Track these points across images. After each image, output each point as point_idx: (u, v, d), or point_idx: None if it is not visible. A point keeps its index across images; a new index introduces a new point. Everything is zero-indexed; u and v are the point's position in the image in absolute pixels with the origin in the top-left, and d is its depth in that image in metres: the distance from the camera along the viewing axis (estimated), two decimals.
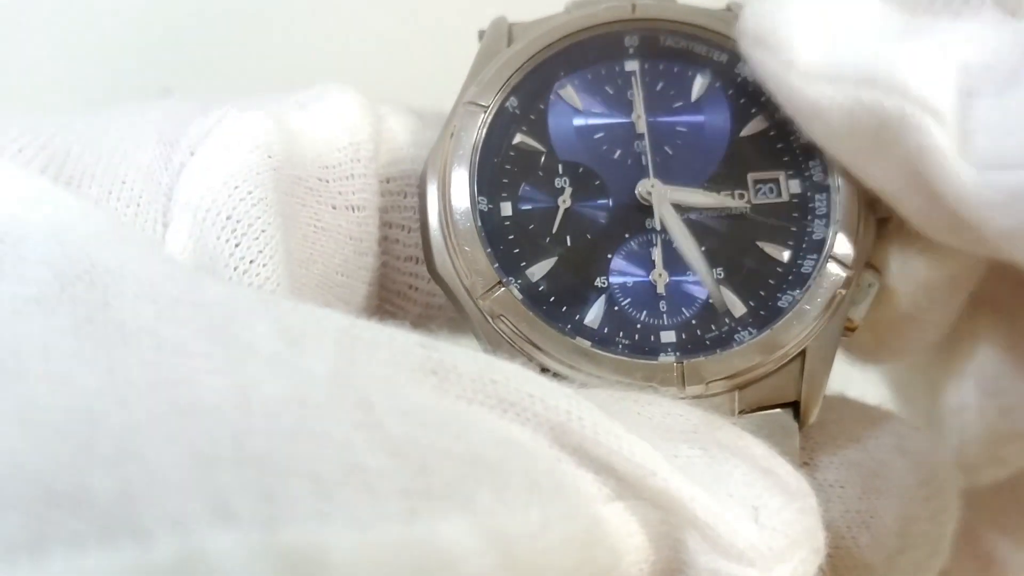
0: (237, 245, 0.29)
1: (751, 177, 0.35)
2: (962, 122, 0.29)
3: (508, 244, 0.34)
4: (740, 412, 0.33)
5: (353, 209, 0.34)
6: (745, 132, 0.36)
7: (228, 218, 0.29)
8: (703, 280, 0.34)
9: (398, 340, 0.25)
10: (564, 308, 0.34)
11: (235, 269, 0.29)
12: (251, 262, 0.29)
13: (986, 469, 0.40)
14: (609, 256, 0.34)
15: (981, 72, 0.29)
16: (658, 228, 0.35)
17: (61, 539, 0.18)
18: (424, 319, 0.37)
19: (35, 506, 0.19)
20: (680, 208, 0.35)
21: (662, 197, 0.35)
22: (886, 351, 0.37)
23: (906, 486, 0.33)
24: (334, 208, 0.33)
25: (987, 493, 0.41)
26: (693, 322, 0.34)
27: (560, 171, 0.35)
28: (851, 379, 0.37)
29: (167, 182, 0.30)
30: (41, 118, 0.31)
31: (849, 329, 0.34)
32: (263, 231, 0.30)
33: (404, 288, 0.36)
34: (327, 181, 0.33)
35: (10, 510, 0.19)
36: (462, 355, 0.25)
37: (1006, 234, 0.29)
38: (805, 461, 0.34)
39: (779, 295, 0.34)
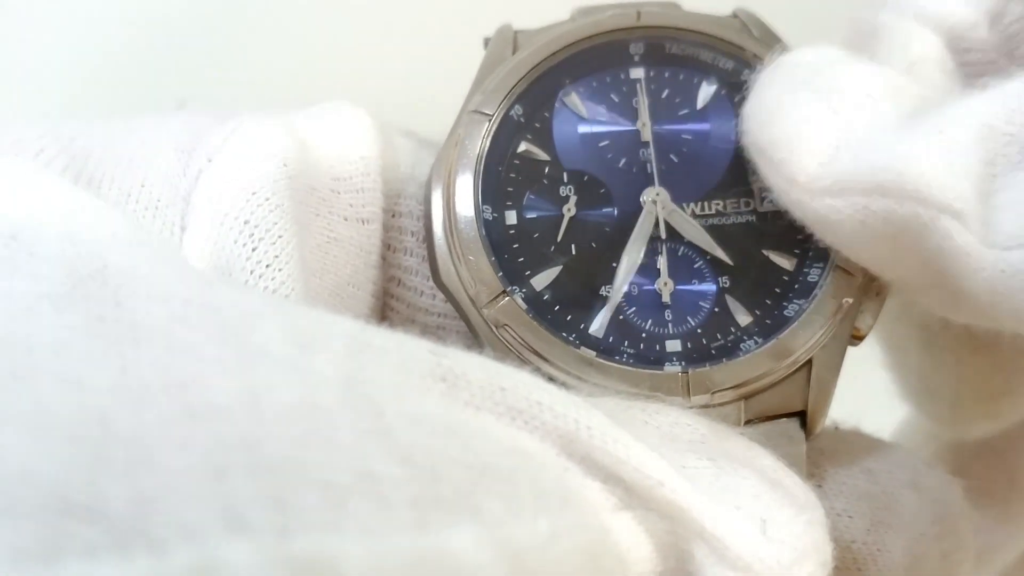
0: (254, 249, 0.29)
1: (757, 185, 0.35)
2: (984, 208, 0.28)
3: (512, 253, 0.34)
4: (747, 422, 0.33)
5: (363, 222, 0.34)
6: None
7: (246, 223, 0.29)
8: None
9: (407, 346, 0.25)
10: (569, 317, 0.34)
11: (251, 273, 0.29)
12: (267, 266, 0.29)
13: (978, 423, 0.40)
14: (614, 265, 0.34)
15: (1004, 143, 0.28)
16: (663, 237, 0.34)
17: (74, 549, 0.18)
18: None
19: (48, 515, 0.18)
20: (686, 216, 0.35)
21: (667, 206, 0.35)
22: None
23: (917, 522, 0.33)
24: (345, 220, 0.33)
25: (973, 461, 0.41)
26: (699, 331, 0.34)
27: (565, 179, 0.35)
28: (867, 411, 0.37)
29: (185, 187, 0.30)
30: (62, 121, 0.31)
31: (856, 338, 0.34)
32: (280, 236, 0.30)
33: (387, 310, 0.36)
34: (339, 193, 0.33)
35: (23, 519, 0.18)
36: (471, 362, 0.25)
37: None
38: (817, 485, 0.33)
39: (785, 304, 0.34)
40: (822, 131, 0.31)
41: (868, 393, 0.38)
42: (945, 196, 0.28)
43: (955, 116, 0.29)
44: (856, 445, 0.35)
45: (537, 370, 0.32)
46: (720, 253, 0.34)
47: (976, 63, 0.34)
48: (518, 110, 0.35)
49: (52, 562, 0.18)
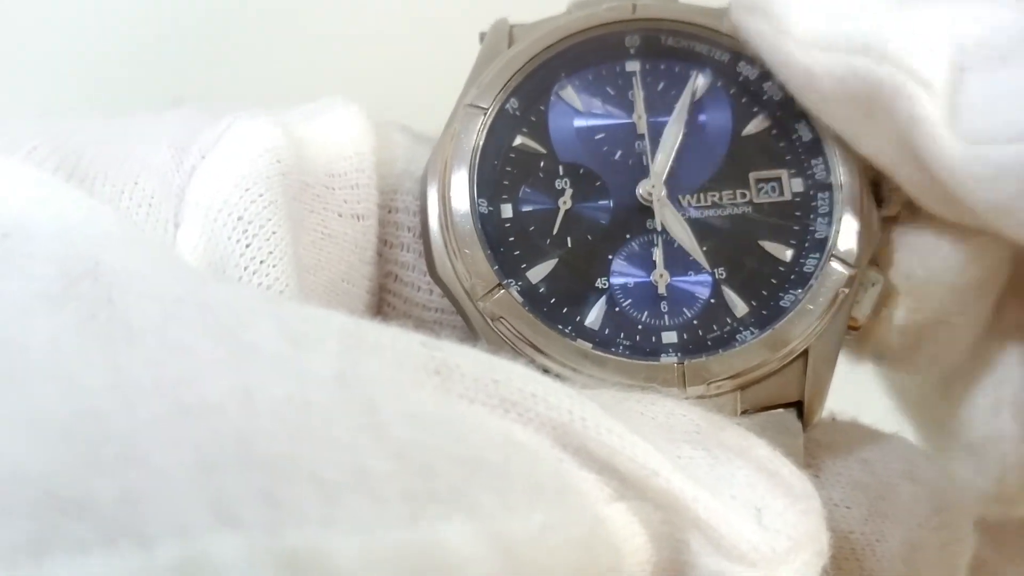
0: (248, 246, 0.29)
1: (753, 176, 0.35)
2: (952, 96, 0.30)
3: (508, 246, 0.34)
4: (743, 412, 0.33)
5: (358, 218, 0.34)
6: (747, 131, 0.36)
7: (239, 219, 0.29)
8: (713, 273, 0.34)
9: (401, 341, 0.25)
10: (565, 310, 0.34)
11: (245, 269, 0.29)
12: (261, 262, 0.30)
13: None
14: (610, 257, 0.34)
15: (976, 48, 0.30)
16: (659, 229, 0.35)
17: (64, 544, 0.18)
18: None
19: (39, 511, 0.19)
20: (682, 207, 0.35)
21: (662, 198, 0.35)
22: (921, 357, 0.37)
23: (914, 512, 0.33)
24: (340, 216, 0.33)
25: (1010, 531, 0.41)
26: (695, 322, 0.34)
27: (560, 172, 0.35)
28: (864, 406, 0.37)
29: (179, 183, 0.30)
30: (56, 120, 0.31)
31: (853, 328, 0.34)
32: (274, 232, 0.30)
33: (383, 306, 0.36)
34: (333, 189, 0.33)
35: (14, 515, 0.18)
36: (465, 355, 0.25)
37: (992, 208, 0.29)
38: (814, 475, 0.33)
39: (781, 294, 0.34)
40: None
41: (866, 385, 0.38)
42: (923, 67, 0.30)
43: (948, 10, 0.31)
44: (853, 436, 0.35)
45: (533, 362, 0.32)
46: (700, 258, 0.34)
47: None
48: (514, 103, 0.35)
49: (42, 557, 0.18)
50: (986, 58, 0.30)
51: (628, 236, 0.34)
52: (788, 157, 0.35)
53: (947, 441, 0.40)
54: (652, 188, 0.35)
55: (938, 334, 0.36)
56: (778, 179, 0.35)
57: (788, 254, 0.34)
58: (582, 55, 0.36)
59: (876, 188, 0.35)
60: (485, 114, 0.35)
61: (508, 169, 0.35)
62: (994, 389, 0.37)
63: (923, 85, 0.30)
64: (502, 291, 0.33)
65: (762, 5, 0.33)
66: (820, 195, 0.35)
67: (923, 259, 0.34)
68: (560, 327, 0.33)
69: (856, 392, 0.36)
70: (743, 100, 0.36)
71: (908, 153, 0.31)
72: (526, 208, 0.35)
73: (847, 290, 0.34)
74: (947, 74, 0.30)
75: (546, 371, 0.32)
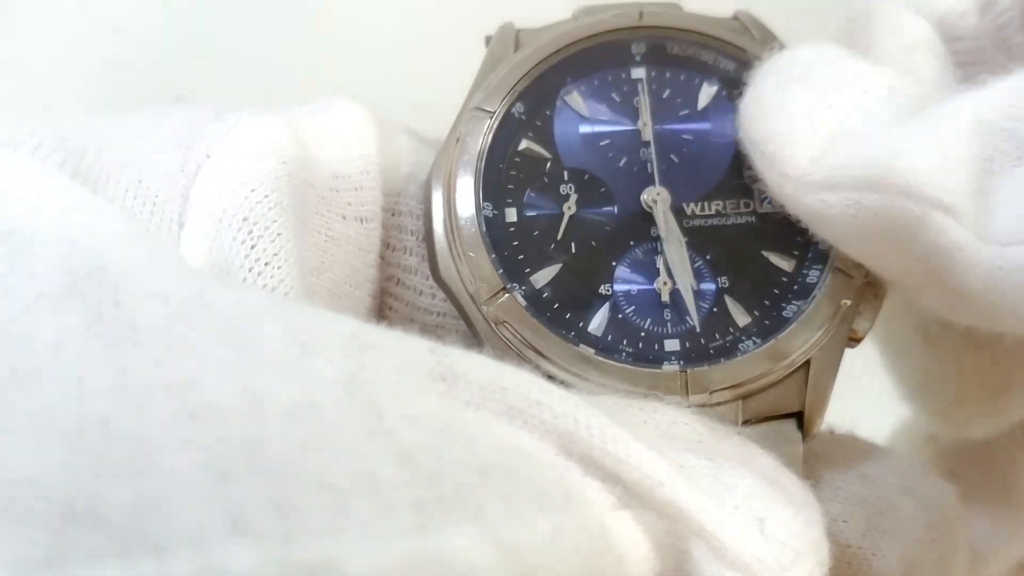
0: (253, 247, 0.29)
1: (756, 186, 0.35)
2: (981, 204, 0.28)
3: (513, 250, 0.34)
4: (744, 422, 0.33)
5: (362, 220, 0.34)
6: None
7: (244, 220, 0.29)
8: (684, 293, 0.34)
9: (407, 345, 0.25)
10: (568, 315, 0.34)
11: (250, 270, 0.29)
12: (266, 264, 0.29)
13: (981, 420, 0.40)
14: (614, 264, 0.34)
15: (1001, 138, 0.28)
16: (663, 236, 0.35)
17: (78, 556, 0.18)
18: None
19: (51, 522, 0.18)
20: (686, 216, 0.35)
21: (666, 205, 0.35)
22: None
23: (912, 528, 0.33)
24: (344, 218, 0.33)
25: (966, 467, 0.41)
26: (697, 331, 0.34)
27: (565, 178, 0.35)
28: (863, 417, 0.37)
29: (183, 183, 0.30)
30: (61, 117, 0.31)
31: (854, 340, 0.34)
32: (279, 234, 0.30)
33: (386, 309, 0.36)
34: (338, 191, 0.33)
35: (26, 527, 0.18)
36: (471, 361, 0.25)
37: None
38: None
39: (784, 305, 0.34)
40: (815, 125, 0.30)
41: (864, 398, 0.38)
42: (936, 191, 0.28)
43: (951, 111, 0.29)
44: (851, 450, 0.35)
45: (536, 368, 0.32)
46: (689, 278, 0.34)
47: (966, 52, 0.34)
48: (519, 108, 0.35)
49: (56, 569, 0.18)
50: (1016, 148, 0.28)
51: (632, 243, 0.34)
52: None
53: (929, 390, 0.41)
54: (657, 196, 0.35)
55: None
56: None
57: (791, 265, 0.34)
58: (588, 61, 0.36)
59: None
60: (491, 118, 0.35)
61: (513, 173, 0.35)
62: None
63: (944, 210, 0.28)
64: (506, 295, 0.33)
65: (757, 144, 0.32)
66: None
67: None
68: (563, 332, 0.33)
69: (855, 406, 0.36)
70: None
71: (938, 279, 0.29)
72: (531, 213, 0.35)
73: (849, 302, 0.34)
74: (969, 186, 0.28)
75: (549, 377, 0.32)
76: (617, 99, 0.36)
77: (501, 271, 0.33)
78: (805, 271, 0.34)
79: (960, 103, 0.29)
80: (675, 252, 0.34)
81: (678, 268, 0.34)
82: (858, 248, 0.32)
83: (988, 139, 0.29)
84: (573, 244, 0.34)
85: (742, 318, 0.34)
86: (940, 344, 0.39)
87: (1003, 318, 0.29)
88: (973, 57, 0.34)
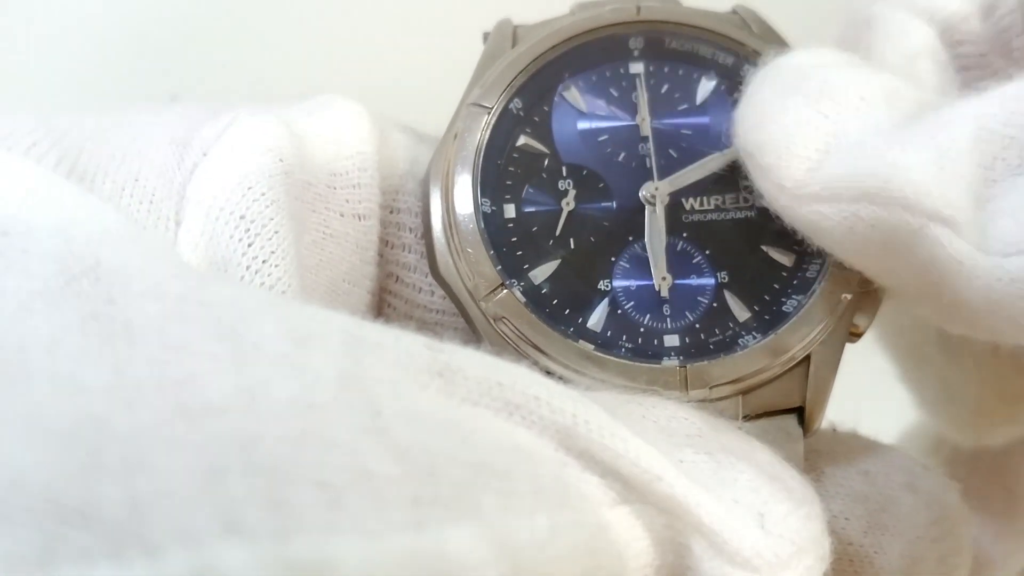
0: (250, 245, 0.29)
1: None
2: (981, 213, 0.28)
3: (511, 246, 0.34)
4: (744, 417, 0.33)
5: (359, 218, 0.34)
6: None
7: (242, 218, 0.29)
8: (655, 278, 0.34)
9: (404, 342, 0.25)
10: (567, 311, 0.34)
11: (247, 268, 0.29)
12: (263, 262, 0.29)
13: (1002, 428, 0.40)
14: (612, 259, 0.34)
15: (1002, 146, 0.28)
16: (647, 226, 0.34)
17: (70, 555, 0.18)
18: None
19: (43, 521, 0.18)
20: (685, 210, 0.35)
21: (664, 199, 0.35)
22: None
23: (914, 525, 0.33)
24: (342, 216, 0.33)
25: (971, 475, 0.41)
26: (697, 326, 0.34)
27: (564, 173, 0.35)
28: (865, 415, 0.37)
29: (180, 181, 0.30)
30: (55, 115, 0.31)
31: (854, 335, 0.34)
32: (276, 232, 0.30)
33: (385, 307, 0.36)
34: (335, 188, 0.33)
35: (17, 526, 0.18)
36: (468, 357, 0.25)
37: None
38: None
39: (784, 300, 0.34)
40: (811, 136, 0.30)
41: (866, 396, 0.38)
42: (934, 203, 0.27)
43: (950, 120, 0.29)
44: (853, 447, 0.35)
45: (535, 363, 0.32)
46: (661, 265, 0.34)
47: (968, 56, 0.34)
48: (517, 103, 0.35)
49: (48, 568, 0.18)
50: (1016, 157, 0.27)
51: (631, 238, 0.34)
52: None
53: (949, 399, 0.40)
54: (656, 190, 0.35)
55: None
56: None
57: (791, 259, 0.34)
58: (586, 56, 0.36)
59: None
60: (489, 113, 0.35)
61: (511, 169, 0.35)
62: None
63: (942, 222, 0.27)
64: (504, 291, 0.33)
65: (752, 153, 0.32)
66: None
67: None
68: (562, 328, 0.33)
69: (857, 405, 0.36)
70: None
71: (937, 290, 0.29)
72: (529, 208, 0.35)
73: (849, 296, 0.33)
74: (967, 195, 0.27)
75: (548, 372, 0.32)
76: (615, 94, 0.36)
77: (500, 267, 0.33)
78: (805, 266, 0.34)
79: (959, 111, 0.29)
80: (655, 244, 0.34)
81: (651, 260, 0.34)
82: (855, 259, 0.32)
83: (988, 147, 0.28)
84: (572, 240, 0.34)
85: (742, 313, 0.34)
86: (962, 353, 0.38)
87: (1003, 329, 0.29)
88: (974, 62, 0.34)
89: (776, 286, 0.34)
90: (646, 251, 0.34)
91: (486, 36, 0.37)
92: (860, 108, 0.30)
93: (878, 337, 0.42)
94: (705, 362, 0.33)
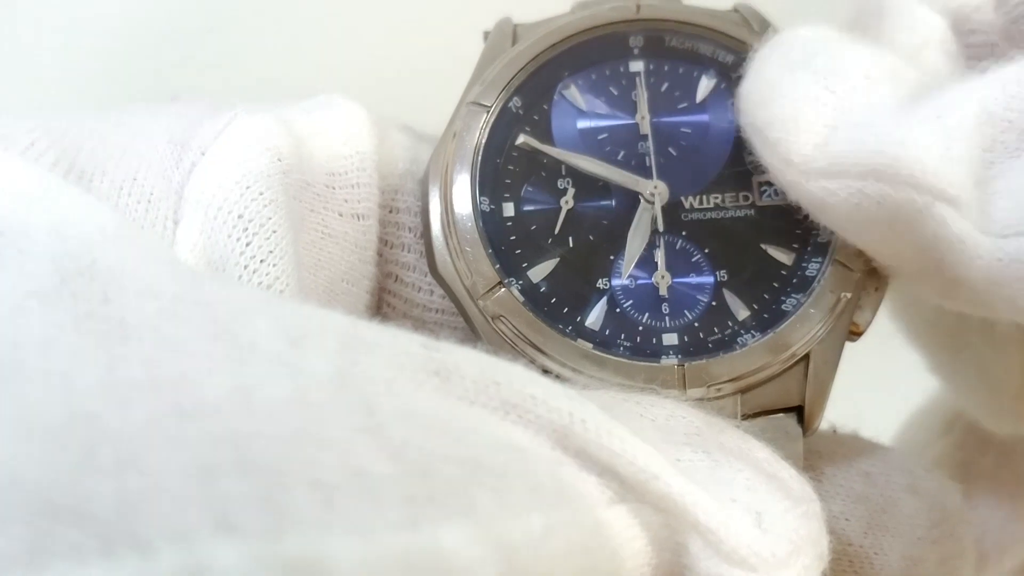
0: (248, 244, 0.29)
1: (756, 179, 0.35)
2: (981, 195, 0.28)
3: (510, 245, 0.34)
4: (743, 416, 0.33)
5: (358, 217, 0.34)
6: None
7: (240, 217, 0.29)
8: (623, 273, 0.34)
9: (400, 341, 0.25)
10: (565, 310, 0.34)
11: (245, 268, 0.29)
12: (261, 261, 0.29)
13: None
14: (611, 258, 0.34)
15: (1002, 129, 0.28)
16: (661, 230, 0.34)
17: (61, 553, 0.18)
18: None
19: (35, 519, 0.18)
20: (684, 209, 0.35)
21: (663, 198, 0.35)
22: None
23: (915, 526, 0.33)
24: (340, 215, 0.33)
25: (982, 459, 0.40)
26: (696, 324, 0.34)
27: (563, 172, 0.35)
28: (866, 416, 0.37)
29: (178, 180, 0.30)
30: (54, 114, 0.31)
31: (854, 333, 0.34)
32: (274, 231, 0.30)
33: (384, 306, 0.36)
34: (333, 188, 0.33)
35: (9, 523, 0.18)
36: (464, 356, 0.25)
37: None
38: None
39: (783, 298, 0.34)
40: (818, 112, 0.30)
41: (867, 397, 0.38)
42: (940, 182, 0.28)
43: (953, 100, 0.29)
44: (854, 448, 0.35)
45: (533, 362, 0.32)
46: (631, 263, 0.34)
47: (979, 45, 0.34)
48: (517, 102, 0.35)
49: (38, 566, 0.18)
50: (1017, 139, 0.28)
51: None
52: None
53: (988, 386, 0.40)
54: (655, 189, 0.35)
55: None
56: None
57: (790, 258, 0.34)
58: (586, 54, 0.36)
59: None
60: (488, 112, 0.35)
61: (510, 168, 0.35)
62: None
63: (946, 200, 0.28)
64: (503, 290, 0.33)
65: (760, 129, 0.32)
66: None
67: None
68: (560, 327, 0.33)
69: (857, 406, 0.36)
70: None
71: (938, 268, 0.29)
72: (528, 207, 0.34)
73: (849, 294, 0.33)
74: (970, 176, 0.28)
75: (546, 371, 0.32)
76: (615, 92, 0.36)
77: (498, 266, 0.33)
78: (804, 264, 0.34)
79: (962, 92, 0.29)
80: (634, 244, 0.34)
81: (626, 257, 0.34)
82: (859, 236, 0.32)
83: (989, 129, 0.28)
84: (570, 238, 0.34)
85: (741, 311, 0.34)
86: (1006, 340, 0.38)
87: (1002, 309, 0.29)
88: (985, 51, 0.34)
89: (775, 284, 0.34)
90: (645, 250, 0.34)
91: (486, 35, 0.37)
92: (864, 86, 0.30)
93: (903, 329, 0.41)
94: (704, 360, 0.33)
